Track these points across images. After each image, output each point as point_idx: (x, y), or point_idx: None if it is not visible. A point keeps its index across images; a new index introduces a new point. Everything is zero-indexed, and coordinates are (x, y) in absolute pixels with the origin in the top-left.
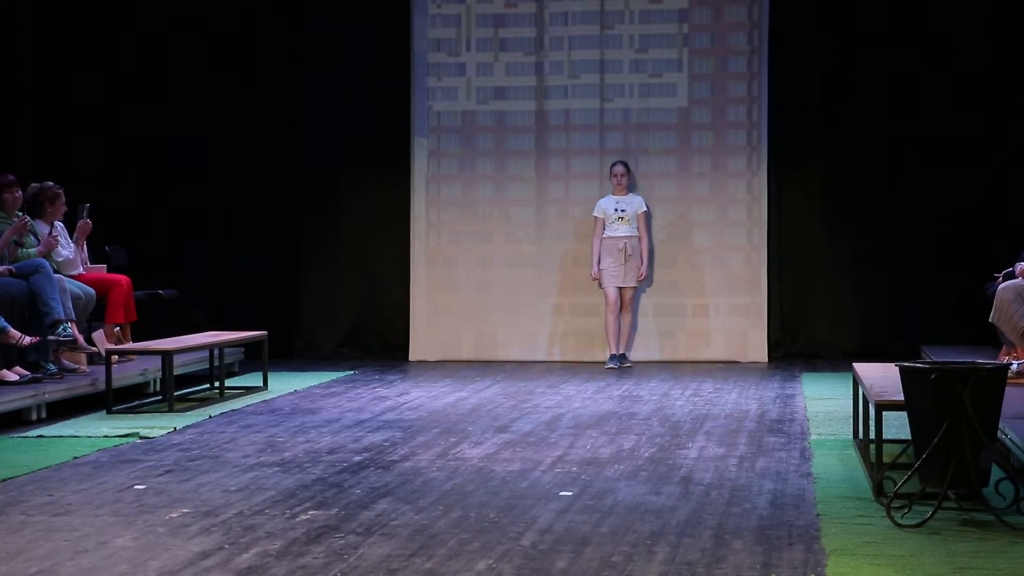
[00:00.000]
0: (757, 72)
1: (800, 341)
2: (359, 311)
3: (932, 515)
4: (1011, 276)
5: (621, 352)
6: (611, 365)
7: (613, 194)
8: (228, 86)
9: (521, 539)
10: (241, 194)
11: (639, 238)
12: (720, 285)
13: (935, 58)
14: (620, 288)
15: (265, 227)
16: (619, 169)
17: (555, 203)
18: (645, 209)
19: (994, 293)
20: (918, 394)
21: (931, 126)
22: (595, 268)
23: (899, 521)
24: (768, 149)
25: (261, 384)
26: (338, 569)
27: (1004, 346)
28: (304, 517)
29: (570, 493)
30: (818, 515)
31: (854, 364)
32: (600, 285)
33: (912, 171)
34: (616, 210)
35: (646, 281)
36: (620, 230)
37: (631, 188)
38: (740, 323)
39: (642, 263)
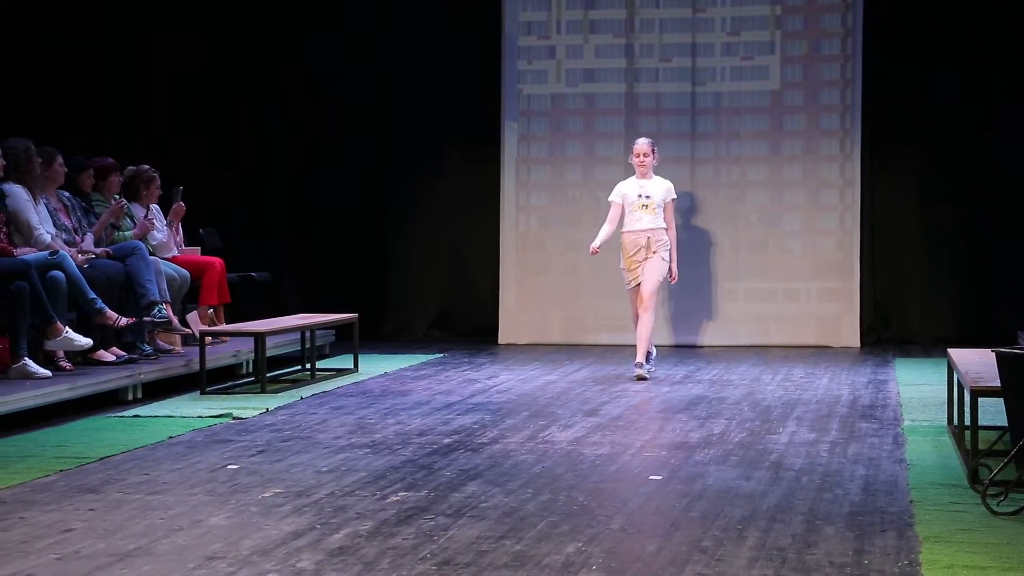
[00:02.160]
0: (851, 55)
1: (893, 326)
2: (449, 294)
3: None
4: None
5: (637, 360)
6: (640, 372)
7: (636, 178)
8: (319, 72)
9: (610, 523)
10: (332, 178)
11: (665, 229)
12: (812, 270)
13: None
14: (640, 285)
15: (356, 211)
16: (642, 146)
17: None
18: (674, 196)
19: None
20: (1015, 380)
21: None
22: (598, 242)
23: (995, 509)
24: (862, 132)
25: (352, 366)
26: (428, 551)
27: None
28: (394, 498)
29: (659, 477)
30: (911, 502)
31: (949, 350)
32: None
33: (1010, 152)
34: (640, 196)
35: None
36: (642, 221)
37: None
38: (832, 308)
39: (671, 260)
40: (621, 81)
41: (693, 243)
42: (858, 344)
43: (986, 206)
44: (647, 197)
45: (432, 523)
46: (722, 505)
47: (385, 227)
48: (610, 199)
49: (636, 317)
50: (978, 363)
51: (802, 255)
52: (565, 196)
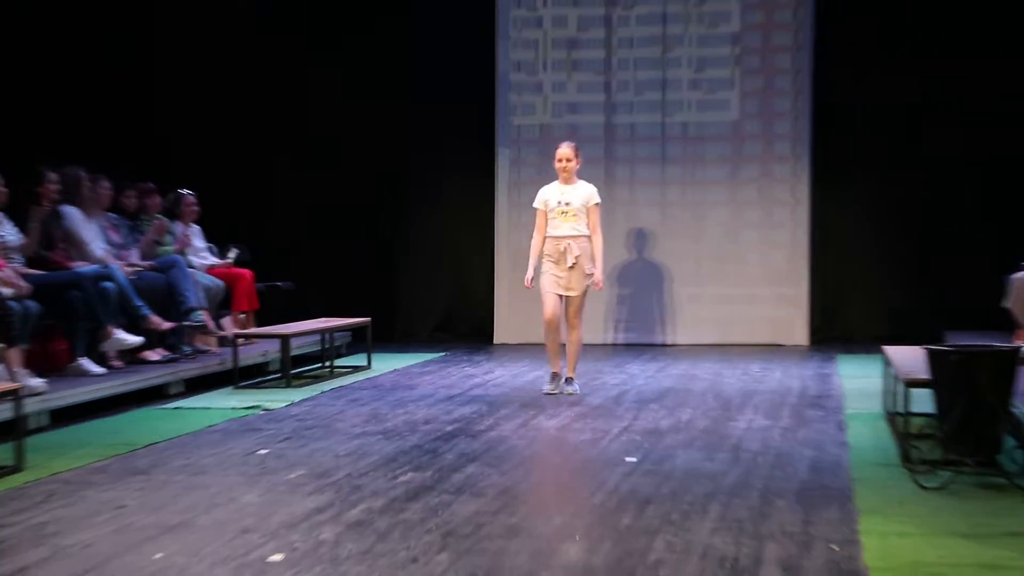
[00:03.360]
0: (800, 90)
1: (837, 327)
2: (450, 300)
3: (953, 479)
4: None
5: (567, 376)
6: (548, 389)
7: (559, 183)
8: (335, 101)
9: (592, 498)
10: (347, 200)
11: (588, 236)
12: (766, 277)
13: (967, 78)
14: (564, 297)
15: (369, 228)
16: (564, 151)
17: (623, 205)
18: (597, 201)
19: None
20: (941, 373)
21: (967, 138)
22: (530, 272)
23: (923, 484)
24: (810, 158)
25: (366, 364)
26: (432, 523)
27: (1018, 330)
28: (403, 478)
29: (634, 459)
30: (852, 479)
31: (884, 347)
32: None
33: (938, 175)
34: (560, 202)
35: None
36: (563, 227)
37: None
38: (784, 311)
39: (594, 267)
40: (600, 113)
41: (662, 254)
42: (807, 342)
43: (916, 222)
44: (567, 204)
45: (437, 500)
46: (688, 483)
47: (394, 242)
48: (534, 205)
49: (549, 329)
50: (910, 359)
51: (757, 265)
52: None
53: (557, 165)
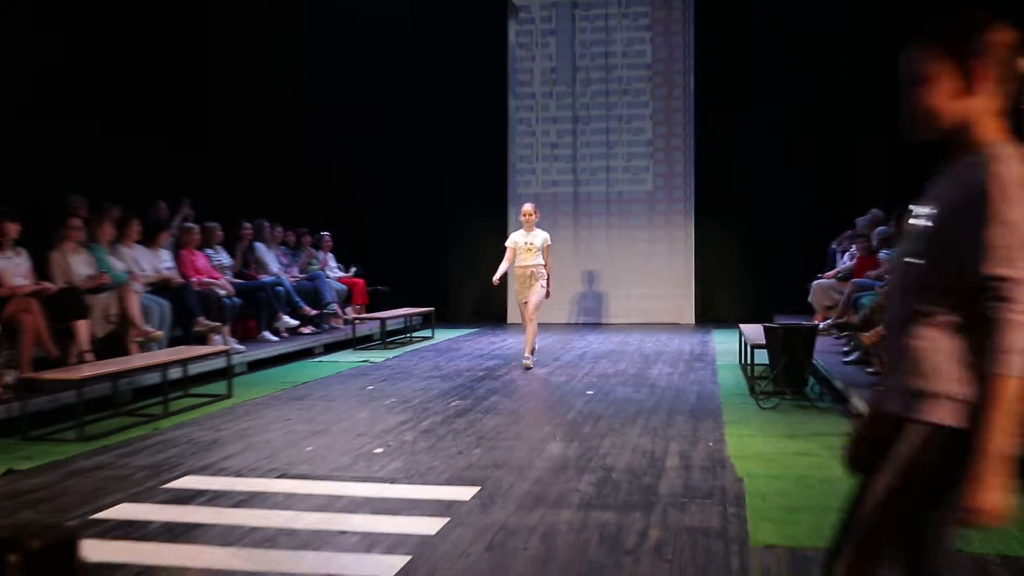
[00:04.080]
0: (688, 170)
1: (712, 311)
2: (479, 296)
3: (778, 403)
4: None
5: (526, 353)
6: (526, 362)
7: (524, 230)
8: (428, 174)
9: (566, 416)
10: (417, 235)
11: (544, 265)
12: (669, 281)
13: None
14: (526, 303)
15: (432, 251)
16: (527, 208)
17: (583, 239)
18: (549, 243)
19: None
20: (772, 340)
21: (792, 172)
22: (497, 275)
23: (762, 406)
24: (694, 211)
25: (430, 335)
26: (471, 431)
27: (817, 313)
28: (453, 404)
29: (591, 392)
30: (720, 403)
31: (740, 324)
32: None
33: (779, 197)
34: (525, 243)
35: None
36: (527, 259)
37: (538, 225)
38: (680, 301)
39: (547, 284)
40: (571, 186)
41: (607, 267)
42: (693, 322)
43: (762, 244)
44: (530, 244)
45: (473, 416)
46: (624, 406)
47: (447, 260)
48: (506, 244)
49: (525, 322)
50: (755, 331)
51: (663, 274)
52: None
53: (522, 218)
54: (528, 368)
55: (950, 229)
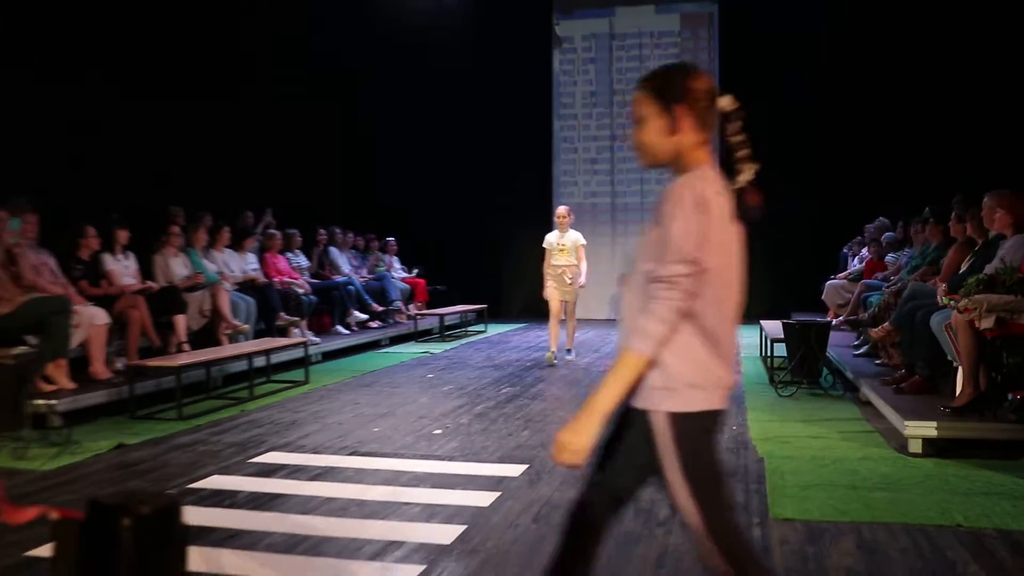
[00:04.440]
0: None
1: None
2: (528, 294)
3: (795, 392)
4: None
5: (568, 348)
6: (549, 356)
7: (558, 231)
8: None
9: None
10: (475, 242)
11: (577, 264)
12: None
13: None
14: (563, 301)
15: (486, 255)
16: (561, 211)
17: (619, 244)
18: (583, 243)
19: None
20: (790, 335)
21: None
22: (547, 284)
23: (780, 394)
24: None
25: (484, 329)
26: (520, 415)
27: (830, 311)
28: (504, 390)
29: None
30: (743, 391)
31: (760, 321)
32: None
33: (796, 205)
34: (558, 244)
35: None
36: (560, 259)
37: (578, 229)
38: None
39: (581, 282)
40: (608, 196)
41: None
42: None
43: (779, 248)
44: (563, 245)
45: (521, 402)
46: None
47: (501, 263)
48: (543, 246)
49: (555, 320)
50: (774, 326)
51: None
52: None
53: (556, 219)
54: (556, 364)
55: (654, 237)
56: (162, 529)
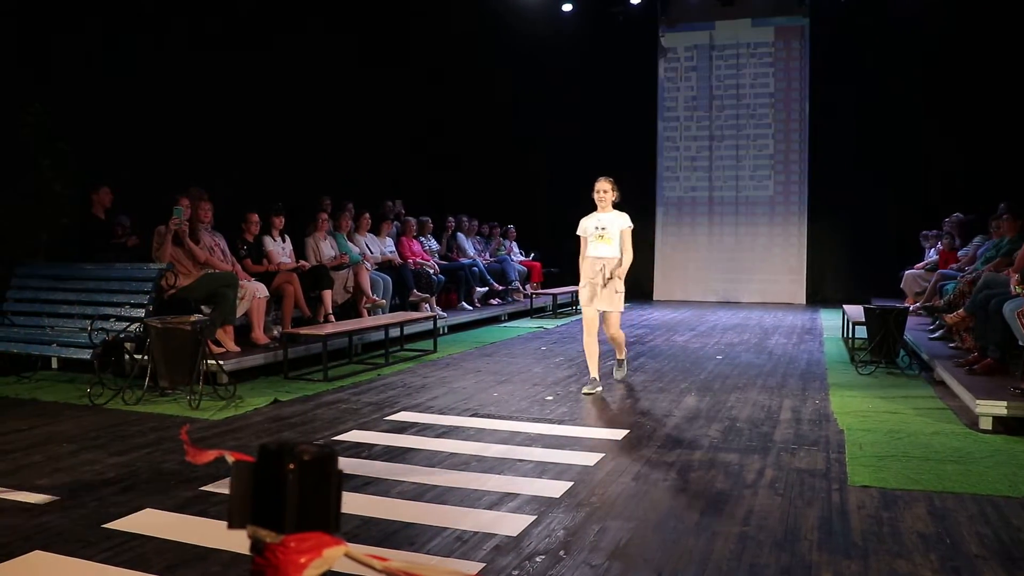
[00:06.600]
0: (802, 178)
1: (820, 294)
2: (630, 276)
3: (874, 370)
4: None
5: (619, 358)
6: (587, 389)
7: (597, 212)
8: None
9: (700, 376)
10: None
11: (619, 258)
12: (784, 269)
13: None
14: (601, 312)
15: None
16: (601, 183)
17: (716, 234)
18: (630, 226)
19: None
20: (870, 318)
21: (897, 173)
22: (582, 281)
23: (860, 372)
24: (807, 211)
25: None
26: (621, 385)
27: (908, 297)
28: (608, 363)
29: (720, 357)
30: (826, 369)
31: (843, 305)
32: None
33: (877, 200)
34: (597, 228)
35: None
36: (599, 249)
37: (615, 206)
38: (793, 285)
39: (620, 287)
40: (707, 191)
41: (734, 254)
42: (804, 302)
43: (862, 239)
44: (603, 229)
45: (632, 372)
46: (747, 369)
47: None
48: (577, 233)
49: (589, 335)
50: (856, 310)
51: (781, 261)
52: (682, 238)
53: (595, 196)
54: (592, 394)
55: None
56: (321, 473)
